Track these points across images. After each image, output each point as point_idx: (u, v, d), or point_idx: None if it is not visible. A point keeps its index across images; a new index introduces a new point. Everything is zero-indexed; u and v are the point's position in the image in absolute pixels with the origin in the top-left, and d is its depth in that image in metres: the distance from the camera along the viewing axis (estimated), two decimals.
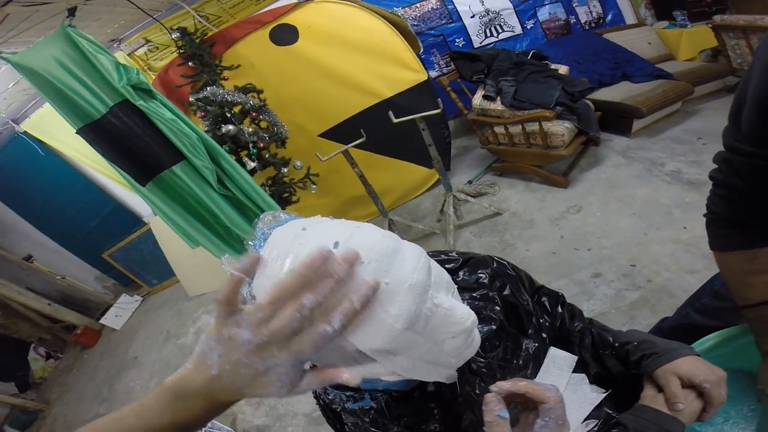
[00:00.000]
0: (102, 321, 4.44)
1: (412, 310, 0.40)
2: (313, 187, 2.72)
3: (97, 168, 3.73)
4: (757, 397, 0.71)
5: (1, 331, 4.11)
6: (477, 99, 2.91)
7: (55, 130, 3.46)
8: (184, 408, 0.40)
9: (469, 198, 2.69)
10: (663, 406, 0.57)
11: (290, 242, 0.42)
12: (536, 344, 0.67)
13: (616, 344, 0.70)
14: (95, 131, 1.54)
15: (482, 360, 0.63)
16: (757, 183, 0.57)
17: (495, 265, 0.71)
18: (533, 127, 2.59)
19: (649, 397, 0.60)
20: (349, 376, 0.39)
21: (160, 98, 1.57)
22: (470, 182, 3.21)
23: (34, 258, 4.35)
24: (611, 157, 2.84)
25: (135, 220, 4.30)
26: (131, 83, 1.47)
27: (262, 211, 1.98)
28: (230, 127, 2.11)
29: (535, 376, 0.68)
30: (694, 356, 0.60)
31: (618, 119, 2.97)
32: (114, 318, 4.45)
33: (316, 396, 0.72)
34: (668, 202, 2.23)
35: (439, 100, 2.42)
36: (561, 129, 2.52)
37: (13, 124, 3.46)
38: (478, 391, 0.61)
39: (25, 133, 3.54)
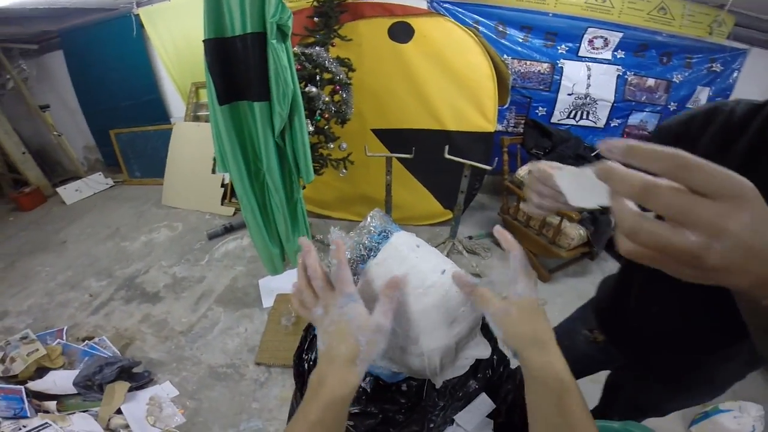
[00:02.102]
0: (58, 189, 4.30)
1: (464, 333, 0.64)
2: (344, 171, 2.93)
3: (167, 65, 4.15)
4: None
5: None
6: (524, 171, 3.12)
7: (160, 23, 3.94)
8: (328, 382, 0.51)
9: (463, 251, 2.91)
10: None
11: (408, 253, 0.64)
12: (477, 386, 0.87)
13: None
14: (219, 46, 1.76)
15: (444, 383, 0.82)
16: None
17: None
18: (554, 219, 2.81)
19: None
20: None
21: (288, 44, 1.77)
22: (471, 237, 3.44)
23: (50, 110, 4.45)
24: (595, 275, 3.10)
25: (162, 117, 4.53)
26: (279, 22, 1.65)
27: (298, 169, 2.22)
28: (314, 89, 2.31)
29: (460, 410, 0.86)
30: None
31: None
32: (72, 191, 4.36)
33: (300, 357, 0.84)
34: None
35: (496, 159, 2.65)
36: (575, 233, 2.74)
37: (135, 5, 3.88)
38: (430, 404, 0.81)
39: (137, 15, 3.94)
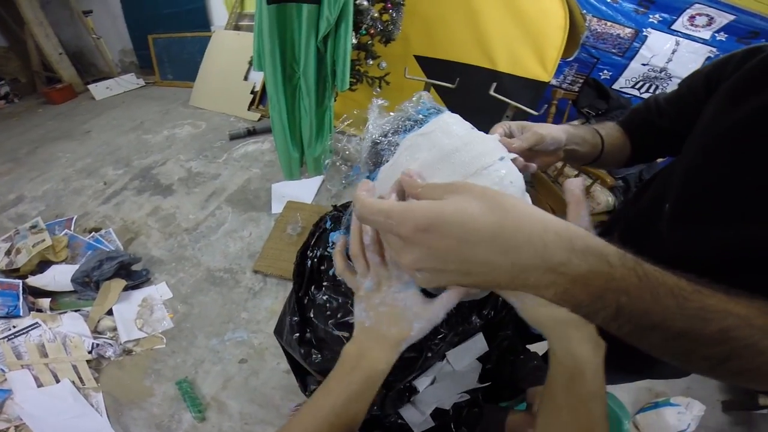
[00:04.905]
0: (89, 86, 4.44)
1: None
2: (378, 89, 2.85)
3: None
4: None
5: None
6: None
7: None
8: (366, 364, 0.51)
9: None
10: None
11: (461, 131, 0.53)
12: (478, 324, 0.85)
13: (521, 357, 0.98)
14: None
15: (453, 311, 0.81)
16: None
17: None
18: (586, 181, 2.68)
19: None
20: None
21: None
22: None
23: (92, 15, 4.48)
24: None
25: (203, 24, 4.54)
26: None
27: (334, 78, 2.25)
28: (365, 2, 2.21)
29: (454, 347, 0.84)
30: None
31: None
32: (103, 89, 4.49)
33: (304, 253, 0.78)
34: None
35: (545, 107, 2.52)
36: (603, 198, 2.63)
37: None
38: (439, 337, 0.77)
39: None
